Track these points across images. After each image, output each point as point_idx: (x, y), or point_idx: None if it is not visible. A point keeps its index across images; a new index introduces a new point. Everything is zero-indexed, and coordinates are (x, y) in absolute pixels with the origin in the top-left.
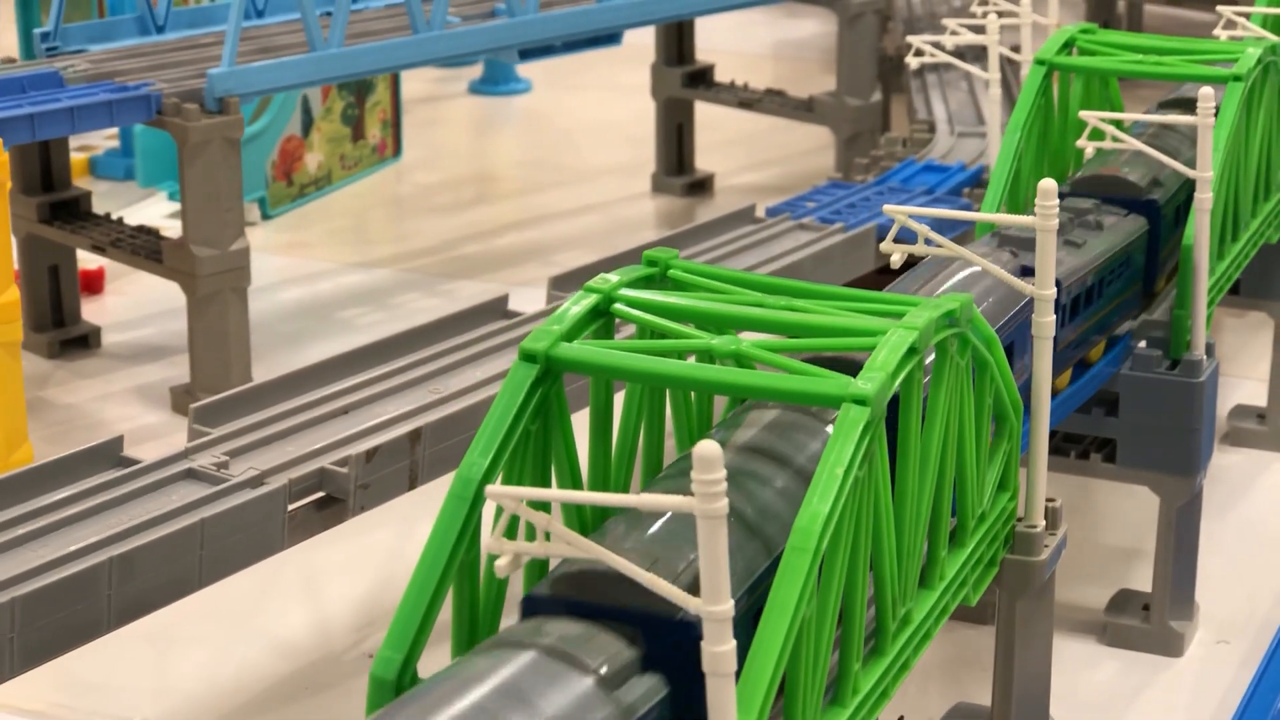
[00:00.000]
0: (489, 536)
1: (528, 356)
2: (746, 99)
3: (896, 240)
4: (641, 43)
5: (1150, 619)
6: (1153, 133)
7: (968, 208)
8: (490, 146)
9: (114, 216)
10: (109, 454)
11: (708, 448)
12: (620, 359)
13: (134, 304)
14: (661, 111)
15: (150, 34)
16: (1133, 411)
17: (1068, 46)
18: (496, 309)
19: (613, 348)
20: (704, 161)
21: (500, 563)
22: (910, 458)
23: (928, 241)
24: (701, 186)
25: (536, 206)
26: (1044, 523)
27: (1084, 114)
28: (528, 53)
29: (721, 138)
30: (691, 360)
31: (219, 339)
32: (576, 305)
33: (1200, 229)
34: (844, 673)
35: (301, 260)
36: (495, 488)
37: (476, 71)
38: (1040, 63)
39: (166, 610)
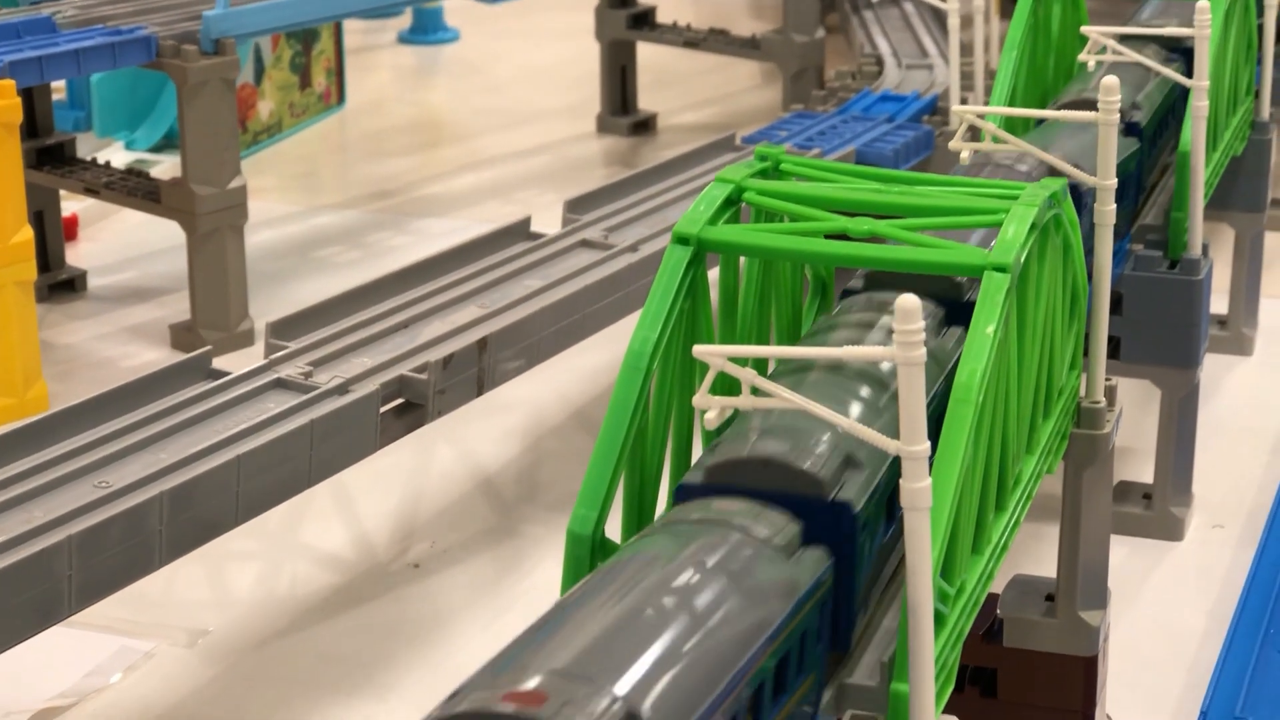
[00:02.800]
0: (697, 395)
1: (681, 239)
2: (691, 39)
3: (965, 139)
4: None
5: (1153, 506)
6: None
7: (930, 133)
8: (429, 94)
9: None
10: (199, 367)
11: (908, 300)
12: (769, 239)
13: (111, 249)
14: (606, 53)
15: None
16: (1136, 309)
17: None
18: (520, 231)
19: (757, 230)
20: (645, 102)
21: (709, 415)
22: (1028, 327)
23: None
24: (646, 126)
25: (485, 149)
26: (1104, 399)
27: (1086, 29)
28: None
29: (655, 79)
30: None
31: (219, 275)
32: (714, 194)
33: (1196, 135)
34: (980, 523)
35: (267, 204)
36: (702, 346)
37: (405, 22)
38: None
39: None
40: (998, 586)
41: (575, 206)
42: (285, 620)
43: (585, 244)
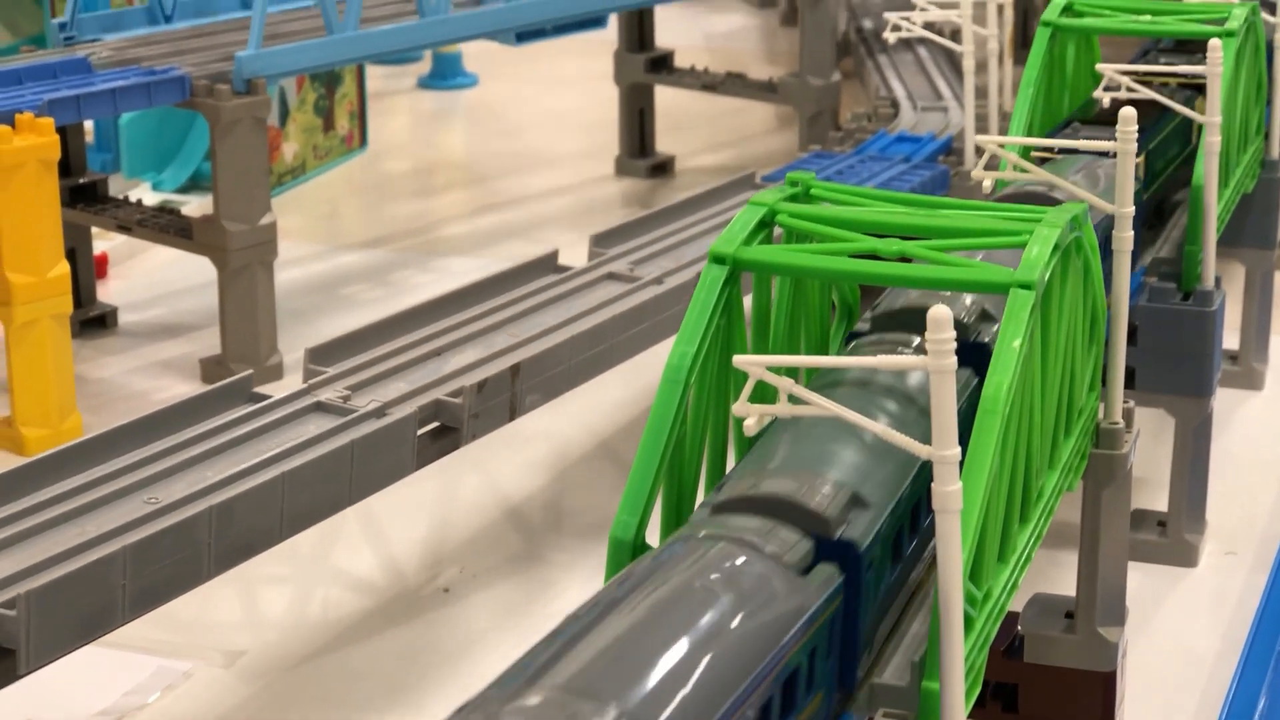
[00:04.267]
0: (737, 404)
1: (718, 259)
2: (709, 82)
3: (986, 168)
4: (579, 36)
5: (1168, 532)
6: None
7: (946, 172)
8: (449, 137)
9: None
10: (241, 390)
11: (940, 310)
12: (800, 258)
13: (140, 286)
14: (625, 96)
15: (159, 23)
16: (1150, 340)
17: (1067, 10)
18: (548, 264)
19: (789, 250)
20: (663, 144)
21: (748, 422)
22: (1050, 346)
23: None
24: (664, 168)
25: (505, 190)
26: (1123, 421)
27: (1101, 66)
28: (523, 35)
29: (673, 123)
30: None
31: (249, 310)
32: (748, 216)
33: (1209, 171)
34: (1006, 533)
35: (292, 244)
36: (742, 356)
37: (424, 67)
38: (1046, 24)
39: None
40: (1017, 606)
41: (601, 241)
42: (318, 642)
43: (612, 276)
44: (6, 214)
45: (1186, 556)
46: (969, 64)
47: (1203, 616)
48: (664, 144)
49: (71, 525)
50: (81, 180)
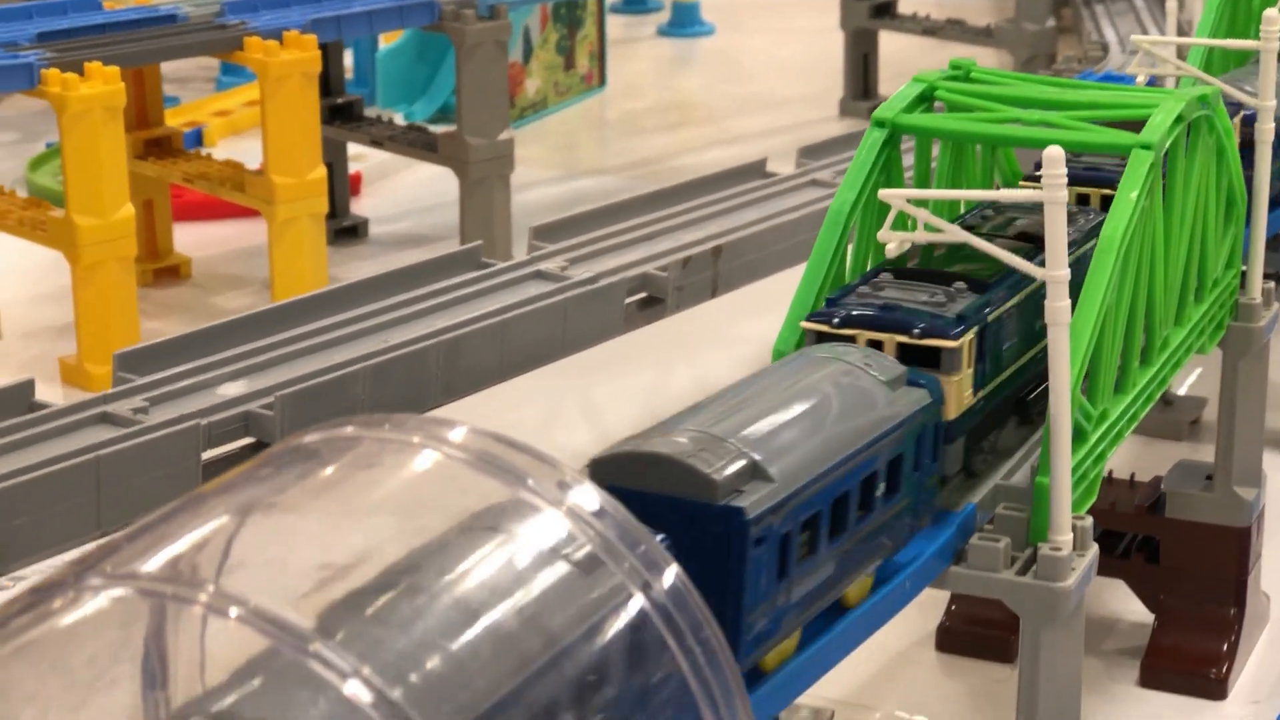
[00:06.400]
0: (881, 231)
1: (878, 123)
2: (929, 27)
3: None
4: None
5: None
6: None
7: None
8: (684, 80)
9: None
10: (471, 259)
11: (1054, 150)
12: (951, 123)
13: (388, 203)
14: (850, 41)
15: None
16: None
17: None
18: (756, 170)
19: (943, 116)
20: (885, 89)
21: (889, 247)
22: (1175, 211)
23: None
24: None
25: (736, 129)
26: (1260, 298)
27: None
28: None
29: (894, 71)
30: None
31: (486, 219)
32: (909, 90)
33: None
34: (1126, 368)
35: (531, 170)
36: (887, 190)
37: (664, 17)
38: None
39: None
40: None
41: (809, 153)
42: None
43: (815, 183)
44: (272, 121)
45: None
46: (1171, 4)
47: None
48: (886, 88)
49: (321, 355)
50: (339, 100)
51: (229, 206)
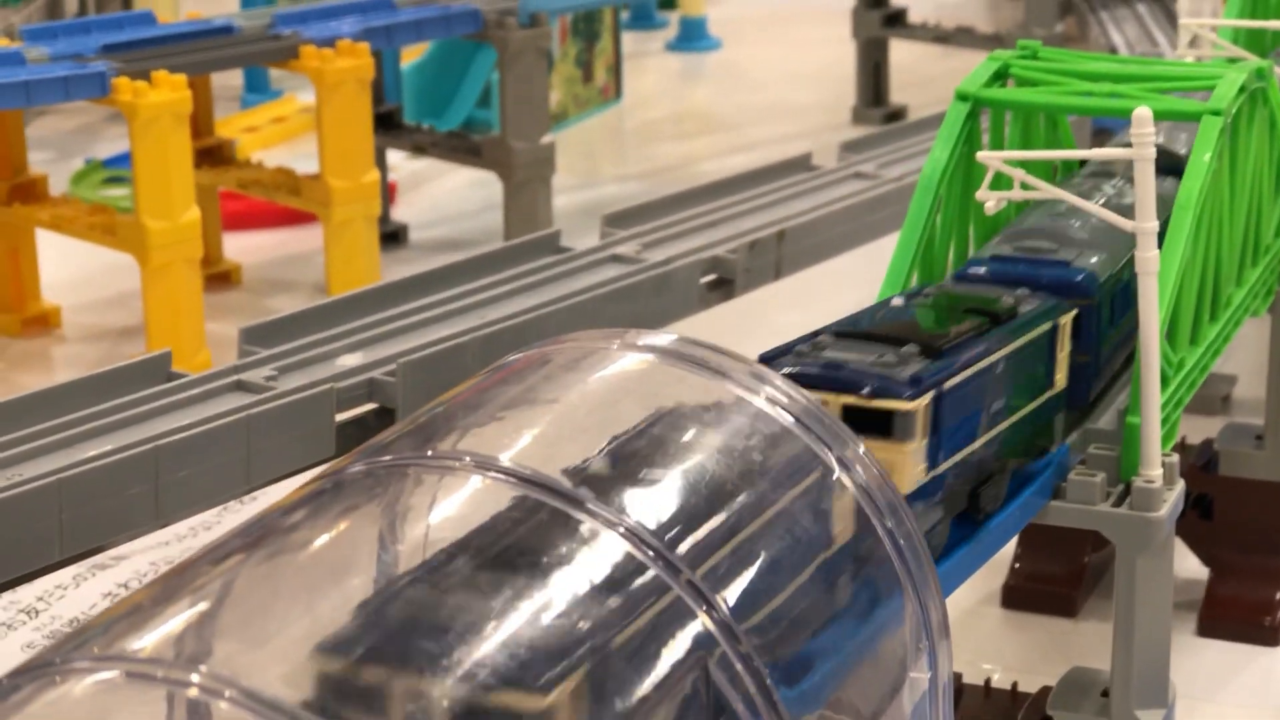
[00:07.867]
0: (980, 191)
1: (961, 97)
2: (940, 35)
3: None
4: (819, 5)
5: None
6: None
7: None
8: (697, 91)
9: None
10: (549, 245)
11: (1143, 110)
12: (1029, 95)
13: (426, 209)
14: (861, 50)
15: None
16: None
17: None
18: (802, 164)
19: (1020, 90)
20: (896, 97)
21: (988, 205)
22: (1238, 175)
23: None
24: (897, 117)
25: (752, 136)
26: None
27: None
28: None
29: (905, 80)
30: None
31: (529, 219)
32: (987, 67)
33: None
34: (1198, 321)
35: (556, 177)
36: (985, 153)
37: (671, 33)
38: None
39: None
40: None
41: (851, 147)
42: None
43: (859, 175)
44: (328, 127)
45: None
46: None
47: None
48: (897, 96)
49: (426, 329)
50: (380, 109)
51: (272, 216)
